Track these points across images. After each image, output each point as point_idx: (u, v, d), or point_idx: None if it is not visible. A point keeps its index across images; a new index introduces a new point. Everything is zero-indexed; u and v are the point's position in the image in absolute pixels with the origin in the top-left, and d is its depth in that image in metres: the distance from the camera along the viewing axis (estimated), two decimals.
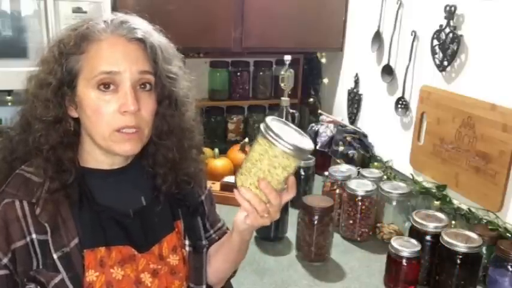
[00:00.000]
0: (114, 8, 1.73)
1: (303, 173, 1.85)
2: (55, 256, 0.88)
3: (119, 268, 0.93)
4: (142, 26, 0.92)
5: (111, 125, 0.88)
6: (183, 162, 1.01)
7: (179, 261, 1.01)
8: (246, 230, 0.97)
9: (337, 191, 1.70)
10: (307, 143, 0.85)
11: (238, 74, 2.37)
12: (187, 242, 1.04)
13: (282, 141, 0.80)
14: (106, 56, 0.87)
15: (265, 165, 0.83)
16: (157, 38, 0.94)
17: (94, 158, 0.95)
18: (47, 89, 0.88)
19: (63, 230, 0.89)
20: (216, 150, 2.11)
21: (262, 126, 0.83)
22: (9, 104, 1.70)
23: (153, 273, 0.97)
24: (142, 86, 0.90)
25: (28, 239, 0.88)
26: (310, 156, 1.89)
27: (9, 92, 1.72)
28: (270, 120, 0.84)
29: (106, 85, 0.87)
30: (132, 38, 0.89)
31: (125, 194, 0.99)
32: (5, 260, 0.87)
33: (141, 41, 0.90)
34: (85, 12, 1.63)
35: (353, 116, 2.19)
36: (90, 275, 0.90)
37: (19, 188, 0.90)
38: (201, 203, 1.10)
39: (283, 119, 0.90)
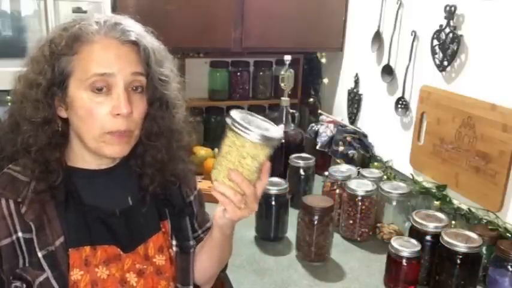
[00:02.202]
0: (114, 8, 1.73)
1: (303, 173, 1.85)
2: (40, 254, 0.88)
3: (104, 267, 0.94)
4: (135, 28, 0.92)
5: (103, 128, 0.88)
6: (170, 162, 1.01)
7: (166, 261, 1.02)
8: (225, 225, 0.96)
9: (337, 191, 1.70)
10: (274, 131, 0.86)
11: (238, 74, 2.37)
12: (174, 242, 1.04)
13: (246, 130, 0.82)
14: (99, 58, 0.87)
15: (234, 156, 0.85)
16: (150, 40, 0.94)
17: (81, 158, 0.95)
18: (36, 89, 0.88)
19: (49, 228, 0.90)
20: (216, 150, 2.10)
21: (227, 118, 0.84)
22: (9, 103, 1.70)
23: (138, 273, 0.98)
24: (134, 88, 0.91)
25: (14, 237, 0.88)
26: (310, 156, 1.89)
27: (9, 92, 1.72)
28: (235, 112, 0.86)
29: (99, 87, 0.87)
30: (126, 40, 0.89)
31: (112, 194, 0.99)
32: None
33: (134, 44, 0.90)
34: (85, 12, 1.63)
35: (353, 116, 2.19)
36: (75, 274, 0.91)
37: (5, 187, 0.90)
38: (189, 204, 1.11)
39: (248, 111, 0.91)
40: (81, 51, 0.87)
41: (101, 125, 0.88)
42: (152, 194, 1.02)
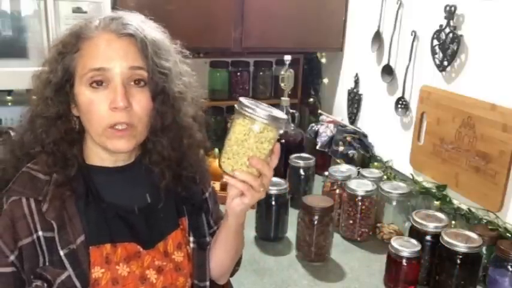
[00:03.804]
0: (114, 8, 1.73)
1: (303, 173, 1.85)
2: (62, 253, 0.89)
3: (124, 265, 0.94)
4: (134, 22, 0.92)
5: (104, 122, 0.88)
6: (183, 160, 1.01)
7: (184, 257, 1.03)
8: (242, 211, 0.97)
9: (337, 191, 1.70)
10: (280, 113, 0.89)
11: (238, 74, 2.37)
12: (191, 239, 1.05)
13: (262, 115, 0.84)
14: (96, 53, 0.88)
15: (252, 143, 0.86)
16: (151, 33, 0.93)
17: (98, 156, 0.96)
18: (48, 87, 0.90)
19: (70, 227, 0.90)
20: (216, 150, 2.10)
21: (239, 107, 0.86)
22: (9, 104, 1.70)
23: (158, 270, 0.98)
24: (136, 82, 0.90)
25: (35, 236, 0.89)
26: (310, 156, 1.90)
27: (9, 92, 1.72)
28: (244, 100, 0.87)
29: (98, 82, 0.88)
30: (123, 33, 0.89)
31: (130, 191, 1.00)
32: (12, 257, 0.88)
33: (132, 36, 0.89)
34: (85, 12, 1.63)
35: (353, 116, 2.19)
36: (96, 272, 0.91)
37: (25, 186, 0.91)
38: (205, 200, 1.11)
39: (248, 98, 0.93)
40: (82, 47, 0.89)
41: (102, 119, 0.88)
42: (171, 191, 1.02)
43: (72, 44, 0.90)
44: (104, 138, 0.90)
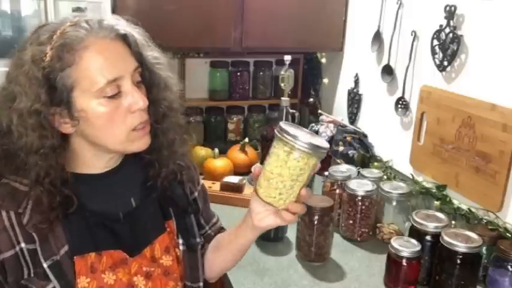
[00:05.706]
0: (114, 8, 1.72)
1: None
2: (45, 265, 0.87)
3: (110, 273, 0.93)
4: (116, 20, 0.90)
5: (127, 126, 0.88)
6: (172, 155, 1.01)
7: (173, 261, 1.01)
8: (265, 228, 0.98)
9: (337, 191, 1.70)
10: (323, 141, 0.90)
11: (238, 74, 2.37)
12: (180, 241, 1.03)
13: (322, 150, 0.85)
14: (103, 64, 0.84)
15: (306, 176, 0.89)
16: (130, 27, 0.92)
17: (85, 163, 0.93)
18: (37, 117, 0.82)
19: (52, 238, 0.88)
20: (216, 150, 2.11)
21: (299, 145, 0.84)
22: None
23: (146, 276, 0.97)
24: (137, 82, 0.90)
25: (17, 248, 0.87)
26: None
27: None
28: (294, 130, 0.86)
29: (112, 92, 0.86)
30: (115, 35, 0.87)
31: (115, 197, 0.97)
32: None
33: (123, 37, 0.88)
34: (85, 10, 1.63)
35: (353, 116, 2.19)
36: (82, 282, 0.90)
37: (4, 199, 0.87)
38: (194, 201, 1.10)
39: (290, 122, 0.94)
40: (78, 60, 0.82)
41: (125, 125, 0.87)
42: (157, 195, 1.01)
43: (60, 59, 0.81)
44: (128, 143, 0.89)
